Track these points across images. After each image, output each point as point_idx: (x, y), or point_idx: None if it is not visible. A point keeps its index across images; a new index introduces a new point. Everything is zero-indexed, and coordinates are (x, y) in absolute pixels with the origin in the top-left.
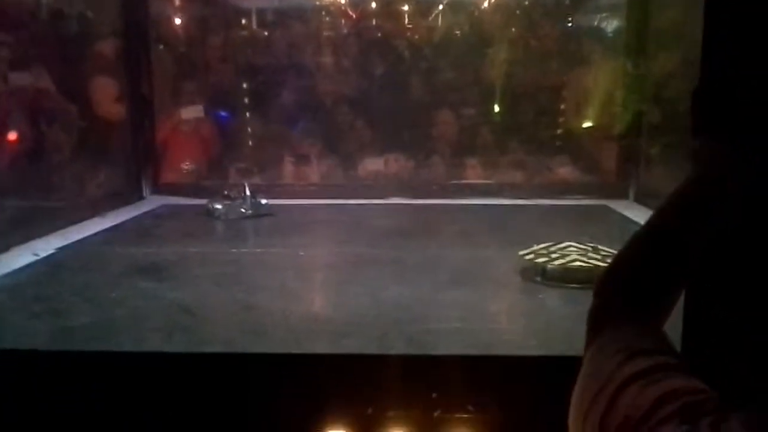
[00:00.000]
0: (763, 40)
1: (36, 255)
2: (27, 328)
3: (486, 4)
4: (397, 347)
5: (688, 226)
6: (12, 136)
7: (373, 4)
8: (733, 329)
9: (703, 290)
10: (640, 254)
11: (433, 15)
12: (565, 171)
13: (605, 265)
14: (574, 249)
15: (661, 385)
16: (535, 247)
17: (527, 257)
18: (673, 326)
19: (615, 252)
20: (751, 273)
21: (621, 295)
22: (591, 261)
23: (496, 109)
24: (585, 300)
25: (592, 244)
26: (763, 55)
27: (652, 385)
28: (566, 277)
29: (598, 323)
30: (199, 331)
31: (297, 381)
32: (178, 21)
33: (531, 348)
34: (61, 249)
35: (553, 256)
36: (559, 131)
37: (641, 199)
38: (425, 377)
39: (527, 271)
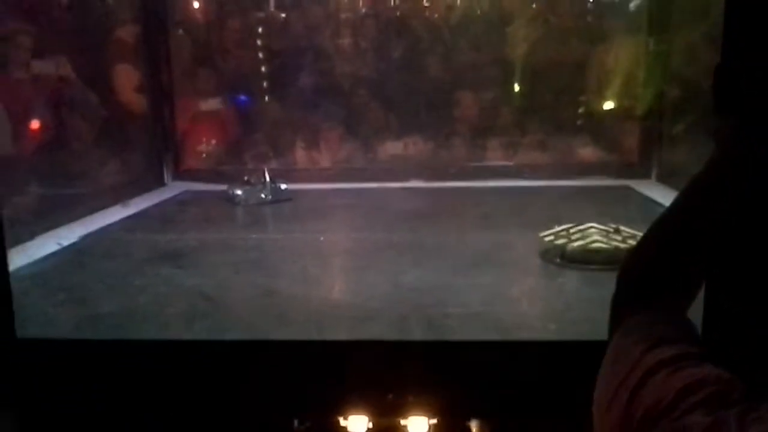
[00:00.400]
0: None
1: (60, 244)
2: (53, 316)
3: None
4: (416, 333)
5: (709, 208)
6: (35, 124)
7: None
8: (754, 320)
9: (724, 280)
10: (663, 240)
11: None
12: (586, 151)
13: (626, 246)
14: (596, 230)
15: (686, 374)
16: (557, 229)
17: (547, 239)
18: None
19: (637, 233)
20: None
21: (644, 280)
22: (612, 243)
23: (516, 89)
24: (605, 282)
25: (614, 226)
26: None
27: (676, 374)
28: (587, 258)
29: (621, 309)
30: (220, 318)
31: (318, 367)
32: (196, 5)
33: (550, 332)
34: (84, 237)
35: (574, 237)
36: (580, 111)
37: (663, 179)
38: (445, 363)
39: (548, 253)
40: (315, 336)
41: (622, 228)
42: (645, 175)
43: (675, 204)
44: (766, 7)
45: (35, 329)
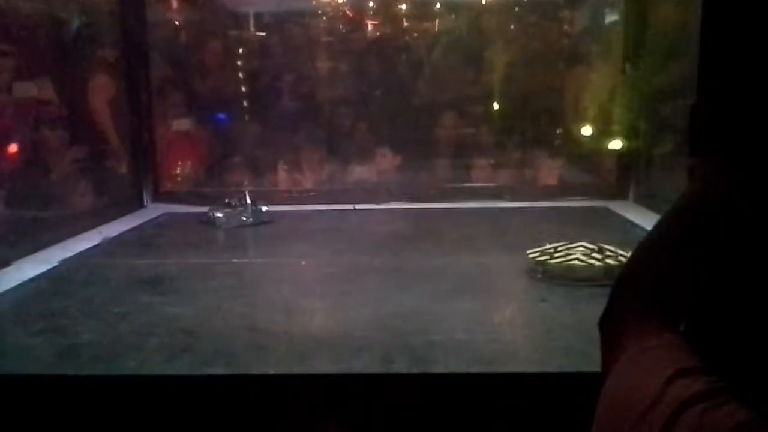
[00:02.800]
0: (762, 58)
1: (39, 267)
2: (30, 347)
3: (484, 3)
4: (399, 363)
5: (686, 241)
6: (13, 147)
7: (371, 3)
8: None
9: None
10: (655, 260)
11: (430, 17)
12: (564, 172)
13: (602, 264)
14: (582, 249)
15: (723, 413)
16: (546, 246)
17: (531, 255)
18: None
19: (620, 252)
20: (745, 297)
21: (641, 300)
22: (590, 260)
23: (495, 111)
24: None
25: (598, 245)
26: (762, 74)
27: (713, 412)
28: (565, 274)
29: (619, 329)
30: (201, 351)
31: (301, 401)
32: (175, 28)
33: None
34: (64, 261)
35: (557, 255)
36: (558, 132)
37: (641, 200)
38: (428, 395)
39: (531, 270)
40: (296, 369)
41: (605, 246)
42: (623, 196)
43: (656, 230)
44: (741, 48)
45: (12, 361)
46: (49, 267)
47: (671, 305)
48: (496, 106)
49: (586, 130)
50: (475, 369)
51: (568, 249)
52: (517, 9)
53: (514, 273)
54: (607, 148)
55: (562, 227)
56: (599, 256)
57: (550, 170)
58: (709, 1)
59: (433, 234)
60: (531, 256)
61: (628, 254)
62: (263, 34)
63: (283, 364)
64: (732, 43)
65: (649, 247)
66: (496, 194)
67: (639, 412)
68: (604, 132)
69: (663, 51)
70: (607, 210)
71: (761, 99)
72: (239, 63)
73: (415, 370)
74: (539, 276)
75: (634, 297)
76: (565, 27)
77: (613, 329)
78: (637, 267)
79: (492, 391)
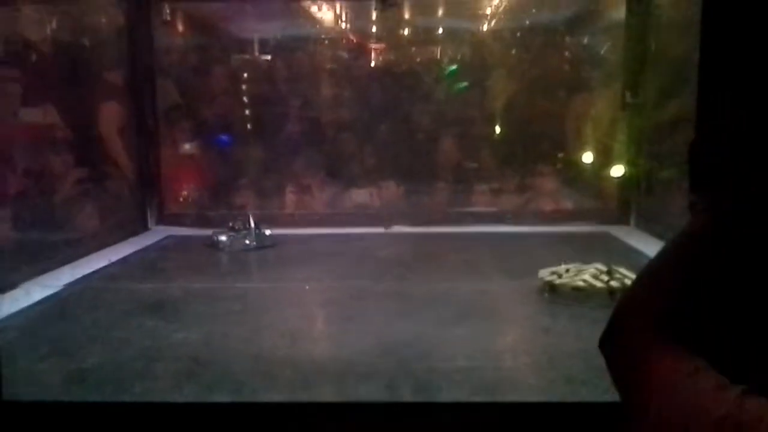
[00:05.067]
0: (760, 94)
1: (45, 290)
2: (37, 372)
3: (485, 29)
4: (403, 391)
5: (693, 267)
6: (18, 170)
7: (374, 29)
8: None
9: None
10: (666, 287)
11: (434, 43)
12: (566, 198)
13: (604, 285)
14: (594, 270)
15: None
16: (562, 267)
17: (540, 274)
18: None
19: (627, 273)
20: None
21: (651, 322)
22: (597, 282)
23: (497, 136)
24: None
25: (611, 266)
26: (761, 111)
27: None
28: (572, 295)
29: (629, 350)
30: (206, 377)
31: (308, 429)
32: (181, 52)
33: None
34: (69, 285)
35: (565, 275)
36: (560, 157)
37: (642, 226)
38: (432, 424)
39: (534, 296)
40: (299, 397)
41: (617, 269)
42: (624, 221)
43: (656, 258)
44: (739, 86)
45: (20, 388)
46: (54, 291)
47: (681, 328)
48: (497, 131)
49: (588, 157)
50: (478, 398)
51: (579, 270)
52: (518, 35)
53: (517, 299)
54: (608, 173)
55: (563, 252)
56: (606, 278)
57: (551, 196)
58: (707, 36)
59: (435, 258)
60: (541, 275)
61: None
62: (268, 58)
63: (288, 391)
64: (729, 80)
65: (656, 274)
66: (498, 219)
67: (706, 422)
68: (605, 158)
69: (663, 80)
70: (608, 235)
71: (759, 134)
72: (244, 87)
73: (420, 399)
74: (545, 295)
75: (643, 320)
76: (567, 54)
77: (618, 351)
78: (643, 292)
79: (496, 420)
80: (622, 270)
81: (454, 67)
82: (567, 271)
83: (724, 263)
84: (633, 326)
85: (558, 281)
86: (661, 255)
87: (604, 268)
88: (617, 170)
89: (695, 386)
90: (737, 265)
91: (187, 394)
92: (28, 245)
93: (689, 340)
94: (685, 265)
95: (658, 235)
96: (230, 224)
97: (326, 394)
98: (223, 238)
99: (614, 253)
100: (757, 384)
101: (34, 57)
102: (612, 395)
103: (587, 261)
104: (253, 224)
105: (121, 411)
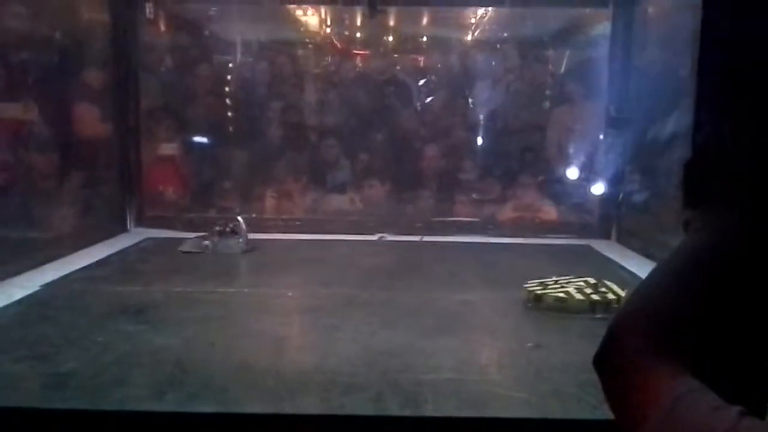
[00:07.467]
0: (758, 114)
1: (21, 291)
2: (12, 375)
3: (469, 39)
4: (390, 404)
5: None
6: None
7: (358, 35)
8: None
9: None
10: (664, 305)
11: (418, 51)
12: (549, 210)
13: (585, 299)
14: (581, 283)
15: None
16: (547, 279)
17: (525, 285)
18: None
19: (614, 287)
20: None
21: (649, 341)
22: (581, 294)
23: (480, 147)
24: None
25: (600, 280)
26: (759, 131)
27: None
28: (554, 306)
29: (626, 368)
30: (187, 385)
31: None
32: (164, 53)
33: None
34: (45, 286)
35: (550, 287)
36: (544, 171)
37: (623, 240)
38: None
39: (518, 307)
40: (286, 407)
41: (606, 283)
42: (605, 235)
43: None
44: (735, 105)
45: None
46: (30, 291)
47: (678, 348)
48: (480, 142)
49: (572, 171)
50: (466, 413)
51: (567, 282)
52: (499, 46)
53: (499, 310)
54: (590, 188)
55: (544, 264)
56: (589, 291)
57: (534, 208)
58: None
59: (418, 267)
60: (526, 286)
61: (623, 292)
62: (251, 60)
63: (271, 401)
64: (726, 101)
65: (652, 293)
66: (481, 229)
67: None
68: (587, 172)
69: (647, 95)
70: (590, 248)
71: (756, 154)
72: (227, 89)
73: (406, 413)
74: (530, 305)
75: (639, 339)
76: (551, 67)
77: (613, 369)
78: (639, 311)
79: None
80: (609, 283)
81: None
82: (555, 282)
83: (723, 282)
84: (629, 345)
85: (540, 291)
86: (656, 273)
87: (592, 282)
88: (598, 186)
89: (692, 406)
90: (737, 284)
91: (167, 404)
92: (3, 245)
93: (686, 360)
94: (682, 284)
95: (640, 250)
96: (216, 228)
97: (311, 405)
98: (205, 241)
99: (594, 265)
100: (755, 406)
101: (14, 52)
102: (603, 412)
103: (568, 273)
104: (234, 227)
105: (97, 420)
